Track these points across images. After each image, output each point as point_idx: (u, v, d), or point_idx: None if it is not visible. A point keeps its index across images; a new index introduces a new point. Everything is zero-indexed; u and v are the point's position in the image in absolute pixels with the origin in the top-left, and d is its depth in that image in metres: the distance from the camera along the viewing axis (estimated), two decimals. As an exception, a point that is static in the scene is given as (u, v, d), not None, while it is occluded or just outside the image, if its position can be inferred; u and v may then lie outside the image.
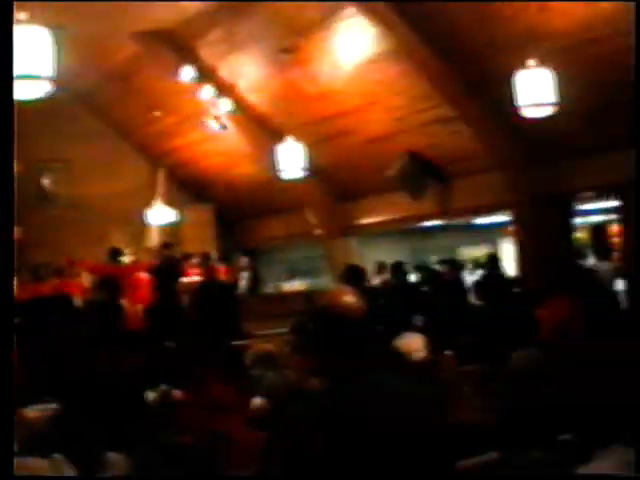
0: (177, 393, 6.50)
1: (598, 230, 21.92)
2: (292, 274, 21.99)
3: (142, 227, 21.41)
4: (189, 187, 23.46)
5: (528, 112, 11.59)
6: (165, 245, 18.24)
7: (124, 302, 12.16)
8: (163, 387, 7.00)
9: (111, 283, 10.63)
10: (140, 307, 14.21)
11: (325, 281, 21.32)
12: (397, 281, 14.18)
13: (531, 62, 11.26)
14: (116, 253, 16.35)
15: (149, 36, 17.73)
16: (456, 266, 16.36)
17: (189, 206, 22.87)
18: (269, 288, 22.06)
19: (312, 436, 3.10)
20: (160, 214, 20.95)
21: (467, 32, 13.78)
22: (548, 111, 11.53)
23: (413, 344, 7.40)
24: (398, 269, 14.63)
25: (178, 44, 17.95)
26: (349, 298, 3.38)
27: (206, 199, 23.10)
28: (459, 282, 15.54)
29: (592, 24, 12.39)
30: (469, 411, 5.94)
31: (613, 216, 19.94)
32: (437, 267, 16.79)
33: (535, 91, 11.32)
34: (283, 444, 3.28)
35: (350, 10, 14.41)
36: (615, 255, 16.53)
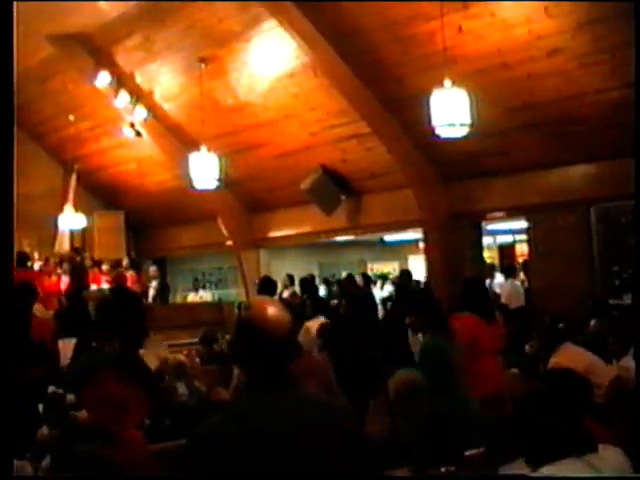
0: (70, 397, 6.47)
1: (505, 249, 22.35)
2: (202, 284, 21.89)
3: (52, 232, 21.09)
4: (101, 193, 23.21)
5: (442, 132, 11.67)
6: (75, 251, 18.02)
7: (36, 308, 11.96)
8: (52, 389, 6.98)
9: (25, 289, 10.39)
10: (50, 313, 14.03)
11: (235, 292, 21.32)
12: (307, 294, 14.19)
13: (446, 83, 11.37)
14: (23, 258, 16.08)
15: (66, 39, 17.51)
16: (367, 280, 16.49)
17: (100, 212, 22.65)
18: (179, 298, 21.95)
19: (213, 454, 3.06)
20: (70, 219, 20.66)
21: (384, 50, 13.93)
22: (462, 132, 11.63)
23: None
24: (308, 283, 14.65)
25: (96, 49, 17.78)
26: (277, 311, 3.27)
27: (118, 206, 22.90)
28: (369, 296, 15.67)
29: (505, 49, 12.66)
30: (379, 426, 6.00)
31: (520, 236, 20.36)
32: (347, 281, 16.90)
33: (450, 111, 11.39)
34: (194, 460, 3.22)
35: (270, 23, 14.45)
36: (521, 273, 16.90)
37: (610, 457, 3.80)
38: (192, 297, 20.88)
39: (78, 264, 17.54)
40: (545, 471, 3.58)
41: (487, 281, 15.54)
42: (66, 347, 11.10)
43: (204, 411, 5.74)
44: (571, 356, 7.59)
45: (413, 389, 6.39)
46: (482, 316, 8.16)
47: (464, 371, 7.17)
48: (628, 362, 7.15)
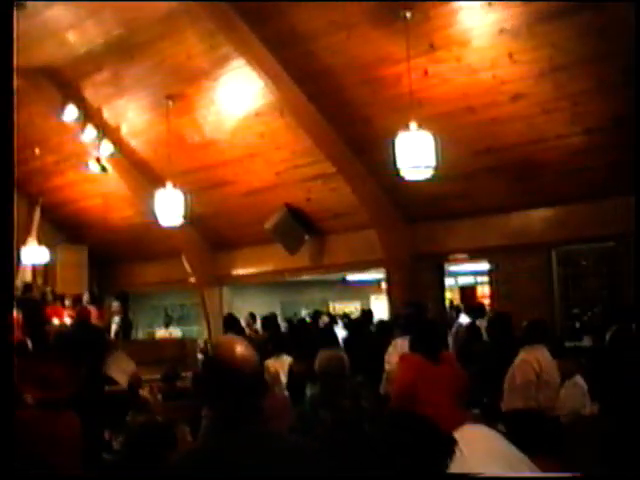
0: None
1: (467, 291, 22.49)
2: (166, 321, 21.81)
3: (14, 265, 20.96)
4: (65, 227, 23.11)
5: (407, 174, 11.77)
6: (25, 287, 17.88)
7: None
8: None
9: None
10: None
11: (197, 329, 21.28)
12: (269, 332, 14.20)
13: (412, 125, 11.48)
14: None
15: (34, 72, 17.45)
16: (331, 319, 16.52)
17: (63, 246, 22.55)
18: (141, 333, 21.84)
19: None
20: (33, 253, 20.56)
21: (351, 92, 14.07)
22: (427, 174, 11.73)
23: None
24: (270, 321, 14.68)
25: (63, 82, 17.78)
26: (246, 350, 3.25)
27: (81, 240, 22.82)
28: (332, 333, 15.69)
29: (470, 93, 12.86)
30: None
31: (482, 278, 20.50)
32: (308, 319, 16.96)
33: (415, 154, 11.48)
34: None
35: (238, 62, 14.55)
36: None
37: None
38: (162, 333, 20.76)
39: (25, 299, 17.31)
40: None
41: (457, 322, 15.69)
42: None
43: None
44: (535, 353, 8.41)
45: (337, 365, 6.59)
46: (429, 357, 8.18)
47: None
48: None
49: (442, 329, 9.38)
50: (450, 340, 13.69)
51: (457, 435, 3.46)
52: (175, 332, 20.82)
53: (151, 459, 4.82)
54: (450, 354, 9.20)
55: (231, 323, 12.03)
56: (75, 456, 5.21)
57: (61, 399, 5.35)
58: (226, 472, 3.01)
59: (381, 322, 14.04)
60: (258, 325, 16.59)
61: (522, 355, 8.66)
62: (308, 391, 7.59)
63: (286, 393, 9.06)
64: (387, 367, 9.91)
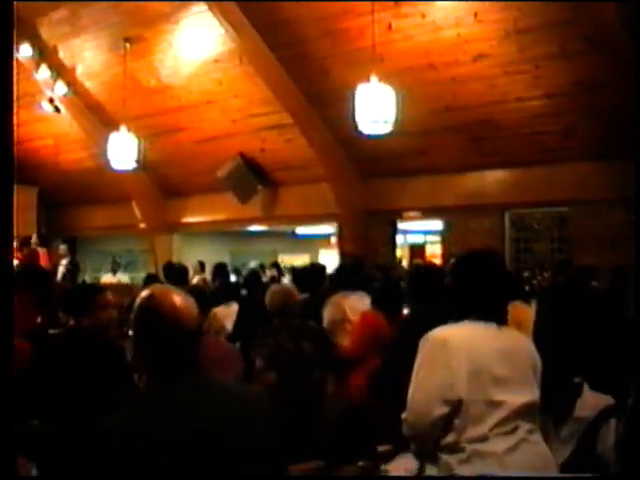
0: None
1: (416, 250, 22.51)
2: (113, 267, 21.58)
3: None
4: (15, 167, 22.69)
5: (366, 128, 11.68)
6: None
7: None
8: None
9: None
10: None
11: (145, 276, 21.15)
12: (219, 282, 14.10)
13: (373, 79, 11.38)
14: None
15: (-12, 7, 17.12)
16: (280, 271, 16.47)
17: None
18: (88, 278, 21.64)
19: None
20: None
21: (313, 43, 13.94)
22: (385, 129, 11.65)
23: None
24: (220, 270, 14.58)
25: (19, 19, 17.39)
26: (181, 301, 3.12)
27: (31, 182, 22.49)
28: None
29: (432, 51, 12.80)
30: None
31: (432, 237, 20.55)
32: (258, 270, 16.87)
33: (374, 108, 11.40)
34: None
35: (199, 7, 14.31)
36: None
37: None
38: (109, 279, 20.51)
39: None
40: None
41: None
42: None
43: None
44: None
45: (287, 298, 6.62)
46: (389, 316, 8.20)
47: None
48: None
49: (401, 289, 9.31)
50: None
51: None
52: (123, 278, 20.61)
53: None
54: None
55: (170, 272, 11.80)
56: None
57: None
58: (168, 424, 2.95)
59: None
60: (207, 274, 16.52)
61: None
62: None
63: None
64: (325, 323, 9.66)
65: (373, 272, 11.50)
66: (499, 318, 3.98)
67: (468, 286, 4.04)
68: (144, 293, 3.18)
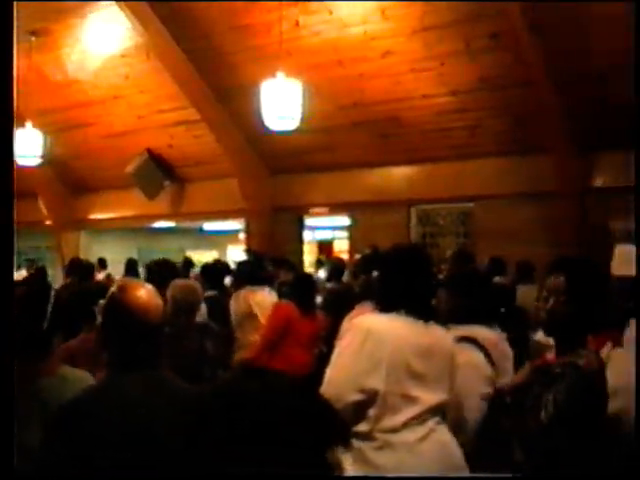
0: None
1: (324, 245, 22.60)
2: (17, 263, 21.19)
3: None
4: None
5: (272, 124, 11.72)
6: None
7: None
8: None
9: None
10: None
11: (52, 274, 20.83)
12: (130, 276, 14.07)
13: (279, 75, 11.41)
14: None
15: None
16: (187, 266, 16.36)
17: None
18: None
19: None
20: None
21: (220, 38, 13.91)
22: (292, 125, 11.71)
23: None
24: (131, 265, 14.53)
25: None
26: (149, 295, 3.26)
27: None
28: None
29: (340, 47, 12.88)
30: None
31: (340, 233, 20.63)
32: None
33: (281, 104, 11.44)
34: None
35: (107, 1, 14.17)
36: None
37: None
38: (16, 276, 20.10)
39: None
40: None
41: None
42: None
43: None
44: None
45: (190, 293, 6.63)
46: (301, 308, 8.30)
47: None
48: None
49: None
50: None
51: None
52: (25, 275, 20.26)
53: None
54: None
55: (76, 268, 11.65)
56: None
57: None
58: (109, 414, 3.05)
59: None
60: (109, 270, 16.55)
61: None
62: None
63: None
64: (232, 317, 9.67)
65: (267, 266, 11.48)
66: (427, 314, 4.08)
67: (397, 279, 4.13)
68: (117, 285, 3.33)
